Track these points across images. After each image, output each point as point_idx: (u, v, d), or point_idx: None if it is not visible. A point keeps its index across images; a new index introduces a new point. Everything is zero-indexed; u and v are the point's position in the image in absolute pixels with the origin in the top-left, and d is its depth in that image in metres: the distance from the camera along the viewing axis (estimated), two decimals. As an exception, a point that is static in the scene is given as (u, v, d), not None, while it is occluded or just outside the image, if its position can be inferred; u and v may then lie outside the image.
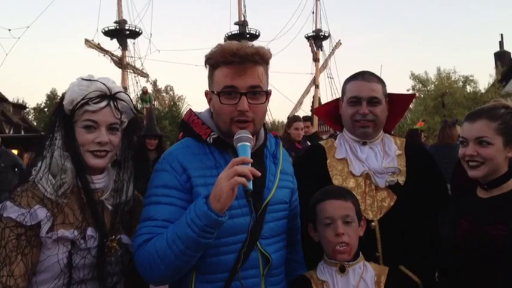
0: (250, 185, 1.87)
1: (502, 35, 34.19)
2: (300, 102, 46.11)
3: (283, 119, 31.77)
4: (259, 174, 1.92)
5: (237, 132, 2.05)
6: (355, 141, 2.70)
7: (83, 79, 2.13)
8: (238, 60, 2.04)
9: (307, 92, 47.98)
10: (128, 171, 2.21)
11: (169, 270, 1.94)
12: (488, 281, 2.20)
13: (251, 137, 2.07)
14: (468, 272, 2.28)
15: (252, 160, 1.94)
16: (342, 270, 2.23)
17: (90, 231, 2.02)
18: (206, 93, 2.24)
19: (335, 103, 2.90)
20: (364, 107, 2.60)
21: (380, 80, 2.69)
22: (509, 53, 31.26)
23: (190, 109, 2.35)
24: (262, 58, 2.10)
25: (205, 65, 2.18)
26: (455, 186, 2.62)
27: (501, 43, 32.26)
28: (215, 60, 2.10)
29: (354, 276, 2.22)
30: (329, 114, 2.95)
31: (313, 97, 45.07)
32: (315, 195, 2.34)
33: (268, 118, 45.14)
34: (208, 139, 2.15)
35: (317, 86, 46.87)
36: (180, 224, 1.92)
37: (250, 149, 2.01)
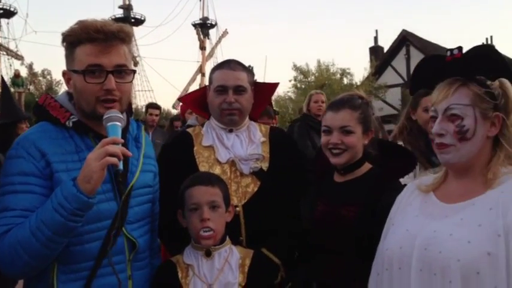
0: (121, 165, 1.86)
1: (376, 30, 36.47)
2: (186, 90, 45.75)
3: (169, 107, 31.40)
4: (130, 154, 1.92)
5: (104, 112, 2.00)
6: (222, 128, 2.75)
7: None
8: (103, 37, 1.99)
9: (193, 79, 47.89)
10: None
11: (34, 260, 1.86)
12: (341, 258, 2.36)
13: (121, 116, 2.03)
14: (324, 250, 2.43)
15: (122, 140, 1.92)
16: (208, 254, 2.27)
17: None
18: (64, 73, 2.14)
19: (203, 91, 2.93)
20: (230, 95, 2.65)
21: (246, 69, 2.77)
22: (382, 48, 33.13)
23: (45, 93, 2.25)
24: (127, 36, 2.07)
25: (63, 43, 2.08)
26: (316, 172, 2.78)
27: (376, 38, 34.20)
28: (76, 37, 2.01)
29: (219, 260, 2.27)
30: (196, 102, 2.97)
31: (200, 85, 44.94)
32: (184, 182, 2.36)
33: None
34: (67, 123, 2.06)
35: (203, 74, 46.87)
36: (45, 210, 1.84)
37: (120, 129, 1.98)
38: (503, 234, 1.62)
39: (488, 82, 1.80)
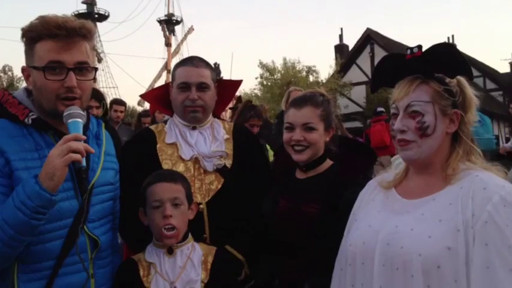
0: (84, 162, 1.84)
1: (341, 29, 36.68)
2: (151, 87, 45.27)
3: (134, 103, 30.97)
4: (93, 151, 1.90)
5: (64, 110, 1.96)
6: (185, 125, 2.74)
7: None
8: (64, 34, 1.96)
9: (159, 76, 47.47)
10: None
11: None
12: (302, 254, 2.37)
13: (83, 113, 2.00)
14: (286, 246, 2.44)
15: (85, 137, 1.90)
16: (170, 251, 2.26)
17: None
18: (23, 70, 2.09)
19: (165, 88, 2.91)
20: (193, 92, 2.64)
21: (209, 66, 2.76)
22: (347, 46, 33.45)
23: (2, 88, 2.19)
24: (89, 33, 2.04)
25: (22, 38, 2.03)
26: (278, 169, 2.79)
27: (341, 36, 34.51)
28: (37, 33, 1.97)
29: (181, 257, 2.26)
30: (159, 99, 2.95)
31: (166, 82, 44.44)
32: (146, 180, 2.34)
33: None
34: (26, 120, 2.02)
35: (169, 71, 46.23)
36: (7, 208, 1.81)
37: (82, 126, 1.95)
38: (462, 229, 1.65)
39: (447, 80, 1.84)
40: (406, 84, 1.85)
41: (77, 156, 1.81)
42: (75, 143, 1.83)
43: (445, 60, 1.82)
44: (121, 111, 7.67)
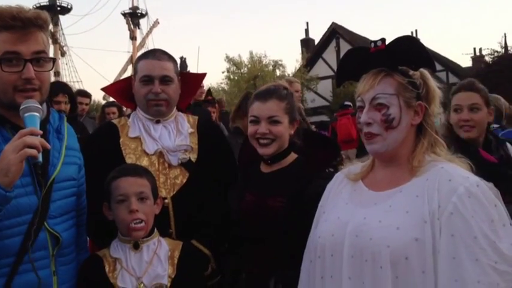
0: (40, 157, 1.79)
1: (307, 23, 36.77)
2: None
3: (99, 98, 30.44)
4: (49, 146, 1.87)
5: (22, 102, 1.92)
6: (149, 119, 2.69)
7: None
8: (20, 25, 1.92)
9: (124, 70, 46.94)
10: None
11: None
12: (269, 247, 2.37)
13: (40, 107, 1.95)
14: (252, 240, 2.43)
15: (41, 132, 1.85)
16: (136, 246, 2.23)
17: None
18: None
19: (128, 81, 2.85)
20: (156, 85, 2.59)
21: (171, 59, 2.72)
22: (313, 40, 33.73)
23: None
24: (45, 23, 2.01)
25: None
26: (242, 162, 2.78)
27: (307, 31, 34.72)
28: None
29: (147, 252, 2.24)
30: (121, 92, 2.89)
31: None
32: (110, 174, 2.30)
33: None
34: None
35: (134, 65, 45.96)
36: None
37: (39, 120, 1.91)
38: (429, 221, 1.67)
39: (411, 72, 1.87)
40: (371, 77, 1.86)
41: (33, 151, 1.76)
42: (30, 138, 1.78)
43: (408, 52, 1.84)
44: (86, 104, 7.41)
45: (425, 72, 1.89)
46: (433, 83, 1.89)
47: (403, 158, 1.87)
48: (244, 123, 4.12)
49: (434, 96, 1.89)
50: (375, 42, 1.88)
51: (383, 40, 1.87)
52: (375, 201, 1.84)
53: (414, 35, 32.97)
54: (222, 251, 2.64)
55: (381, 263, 1.68)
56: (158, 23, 51.58)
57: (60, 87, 5.33)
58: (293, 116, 2.54)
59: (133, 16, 51.36)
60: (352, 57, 1.99)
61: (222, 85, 29.46)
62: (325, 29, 31.46)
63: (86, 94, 7.59)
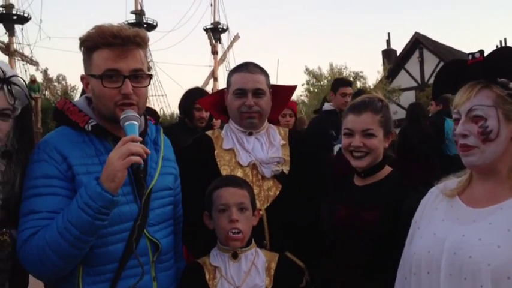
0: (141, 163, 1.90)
1: (389, 33, 36.13)
2: (198, 95, 45.84)
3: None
4: (149, 152, 1.95)
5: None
6: (242, 131, 2.75)
7: None
8: (120, 42, 2.01)
9: (205, 84, 47.96)
10: (19, 163, 2.07)
11: (63, 260, 1.89)
12: (360, 260, 2.35)
13: (138, 115, 2.05)
14: (344, 253, 2.42)
15: (141, 138, 1.95)
16: (235, 256, 2.28)
17: None
18: (82, 78, 2.17)
19: (221, 94, 2.93)
20: (249, 98, 2.65)
21: (263, 72, 2.76)
22: (395, 51, 33.00)
23: (63, 97, 2.29)
24: (143, 41, 2.10)
25: (80, 48, 2.11)
26: (335, 175, 2.78)
27: (388, 41, 34.04)
28: (93, 42, 2.04)
29: (246, 263, 2.28)
30: (215, 105, 2.98)
31: (212, 90, 45.03)
32: (212, 184, 2.38)
33: (167, 110, 44.45)
34: (86, 126, 2.09)
35: (216, 79, 47.10)
36: (71, 210, 1.87)
37: (137, 128, 2.01)
38: None
39: (511, 84, 1.80)
40: (468, 89, 1.81)
41: (137, 158, 1.87)
42: (134, 146, 1.88)
43: (508, 64, 1.78)
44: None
45: None
46: None
47: (502, 173, 1.79)
48: None
49: None
50: (473, 54, 1.83)
51: (481, 52, 1.82)
52: (473, 218, 1.78)
53: (503, 43, 31.42)
54: (314, 263, 2.62)
55: (482, 282, 1.63)
56: (239, 37, 52.48)
57: (201, 95, 5.29)
58: (388, 129, 2.51)
59: (215, 31, 52.56)
60: (449, 70, 1.95)
61: (302, 97, 29.50)
62: (408, 39, 30.72)
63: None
